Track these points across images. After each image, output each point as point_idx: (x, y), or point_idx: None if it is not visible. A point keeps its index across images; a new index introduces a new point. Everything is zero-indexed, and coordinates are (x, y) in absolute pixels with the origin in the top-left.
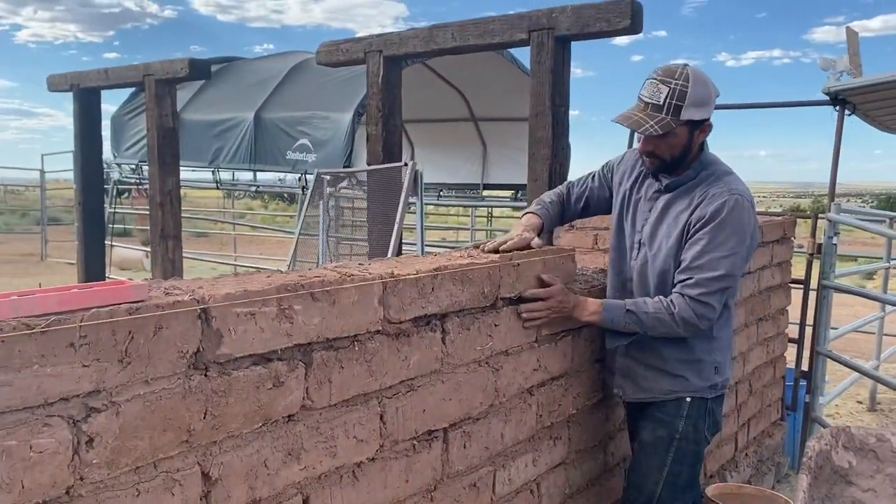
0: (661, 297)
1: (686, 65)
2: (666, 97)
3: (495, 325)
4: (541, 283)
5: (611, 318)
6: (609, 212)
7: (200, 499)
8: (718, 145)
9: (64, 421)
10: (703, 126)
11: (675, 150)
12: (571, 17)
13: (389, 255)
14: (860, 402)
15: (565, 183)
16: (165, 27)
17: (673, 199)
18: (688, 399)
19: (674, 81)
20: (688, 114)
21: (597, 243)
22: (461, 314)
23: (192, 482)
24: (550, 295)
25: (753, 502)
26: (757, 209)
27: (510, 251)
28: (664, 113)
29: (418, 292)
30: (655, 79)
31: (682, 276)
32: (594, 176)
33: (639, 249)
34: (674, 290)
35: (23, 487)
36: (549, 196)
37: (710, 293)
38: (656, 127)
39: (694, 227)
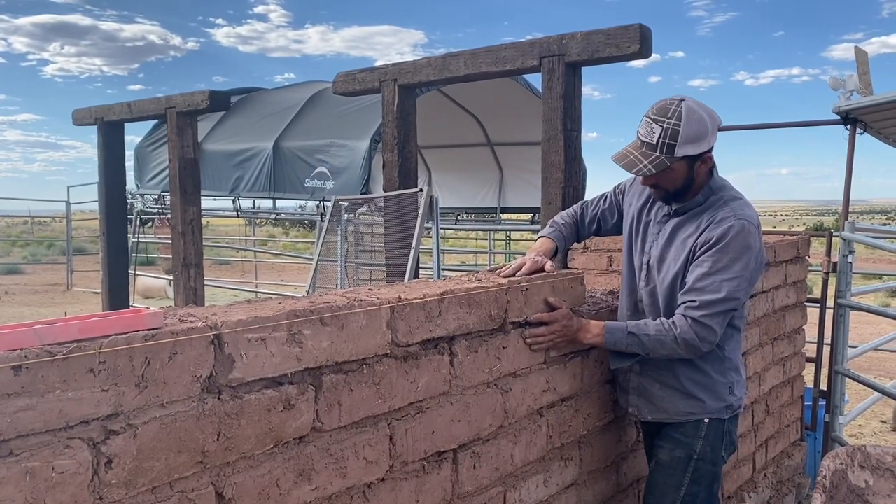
0: (662, 318)
1: (682, 100)
2: (659, 136)
3: (503, 348)
4: (548, 306)
5: (613, 341)
6: (621, 232)
7: None
8: (739, 164)
9: (84, 443)
10: (702, 158)
11: (678, 183)
12: (581, 44)
13: (406, 279)
14: (884, 422)
15: (580, 203)
16: (188, 59)
17: (681, 224)
18: (706, 420)
19: (666, 120)
20: (682, 150)
21: (611, 265)
22: (469, 337)
23: (206, 502)
24: (554, 319)
25: None
26: (779, 228)
27: (525, 276)
28: (658, 151)
29: (425, 316)
30: (650, 118)
31: (686, 298)
32: (605, 198)
33: (647, 272)
34: (677, 311)
35: None
36: (562, 217)
37: (712, 315)
38: (650, 167)
39: (700, 249)
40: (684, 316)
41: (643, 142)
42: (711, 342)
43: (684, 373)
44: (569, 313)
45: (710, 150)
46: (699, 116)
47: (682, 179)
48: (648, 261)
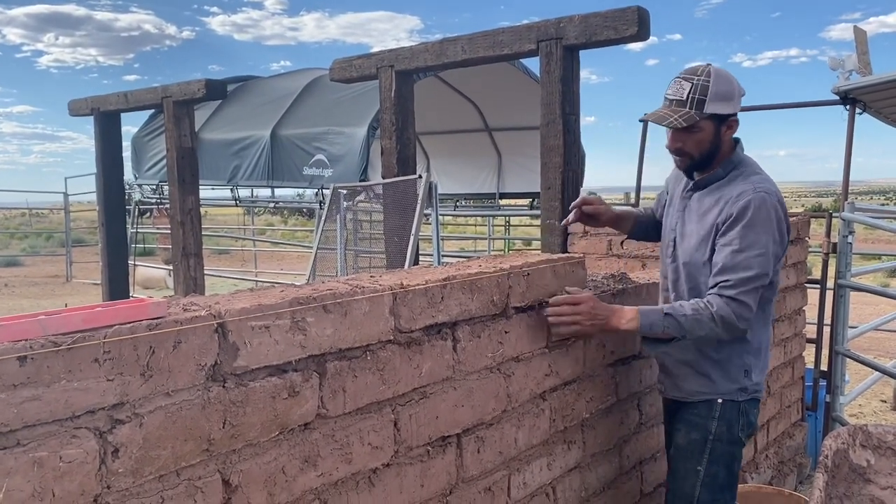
0: (697, 299)
1: (709, 64)
2: (689, 92)
3: (506, 332)
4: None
5: (649, 324)
6: None
7: None
8: None
9: (91, 432)
10: (728, 121)
11: (704, 147)
12: (579, 27)
13: (406, 266)
14: (884, 401)
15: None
16: (184, 48)
17: (702, 197)
18: (719, 401)
19: (696, 78)
20: (711, 107)
21: (611, 249)
22: (471, 322)
23: (213, 489)
24: (579, 301)
25: (772, 502)
26: None
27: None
28: (688, 107)
29: (428, 302)
30: (679, 77)
31: (719, 279)
32: (658, 196)
33: (673, 248)
34: (710, 291)
35: (53, 496)
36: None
37: (746, 292)
38: (680, 120)
39: (723, 226)
40: (719, 295)
41: (672, 100)
42: (748, 319)
43: (701, 351)
44: (594, 297)
45: (735, 116)
46: (728, 77)
47: (707, 143)
48: (674, 237)
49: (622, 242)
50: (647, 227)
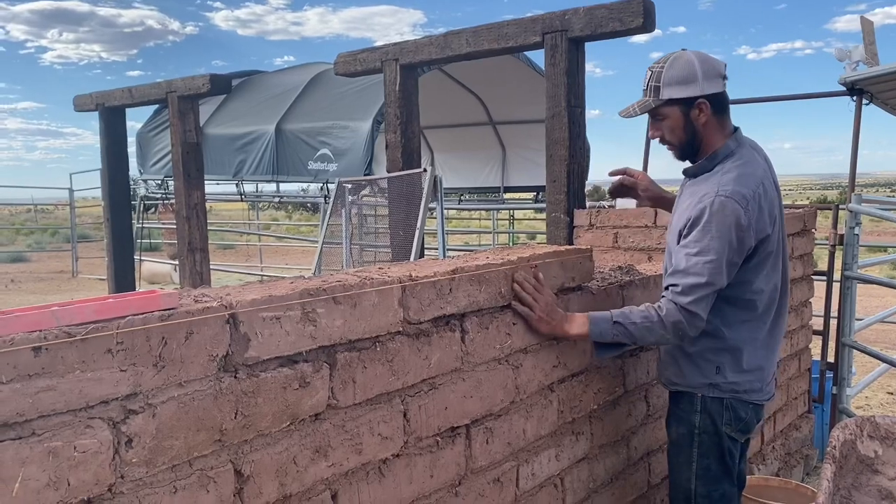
0: (648, 304)
1: (680, 50)
2: (648, 80)
3: (514, 324)
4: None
5: (599, 332)
6: None
7: (234, 495)
8: None
9: (104, 422)
10: (697, 105)
11: (679, 133)
12: (584, 19)
13: (412, 260)
14: (890, 393)
15: None
16: (187, 43)
17: (689, 188)
18: (699, 395)
19: (657, 66)
20: (667, 92)
21: (616, 242)
22: (479, 314)
23: (225, 479)
24: (543, 292)
25: (779, 494)
26: (783, 202)
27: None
28: (646, 95)
29: (436, 293)
30: (648, 68)
31: (671, 280)
32: None
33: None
34: (664, 294)
35: (69, 485)
36: None
37: (697, 301)
38: (636, 108)
39: (685, 228)
40: (672, 301)
41: (642, 91)
42: (699, 327)
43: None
44: (555, 299)
45: (704, 98)
46: (687, 60)
47: (680, 130)
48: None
49: None
50: None
